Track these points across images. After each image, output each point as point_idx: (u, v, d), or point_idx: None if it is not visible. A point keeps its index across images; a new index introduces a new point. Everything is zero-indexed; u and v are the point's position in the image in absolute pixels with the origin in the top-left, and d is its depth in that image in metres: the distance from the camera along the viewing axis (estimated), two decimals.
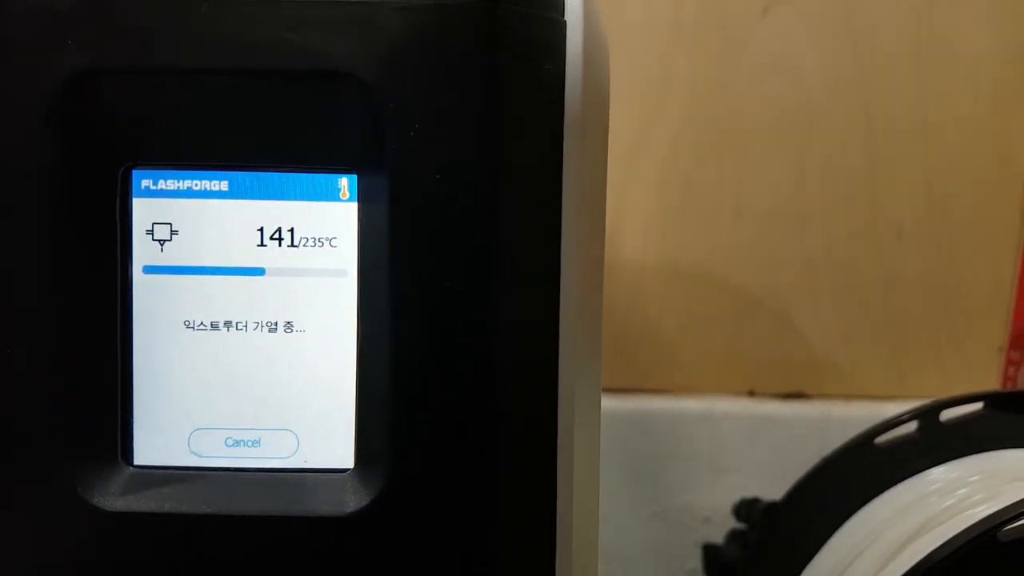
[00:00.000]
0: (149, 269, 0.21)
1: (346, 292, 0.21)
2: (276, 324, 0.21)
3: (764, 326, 0.52)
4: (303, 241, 0.21)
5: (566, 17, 0.20)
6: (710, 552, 0.45)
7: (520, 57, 0.20)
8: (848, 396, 0.52)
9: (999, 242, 0.51)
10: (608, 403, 0.51)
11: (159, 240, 0.21)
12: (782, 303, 0.52)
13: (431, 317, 0.20)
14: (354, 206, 0.21)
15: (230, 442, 0.21)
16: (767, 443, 0.52)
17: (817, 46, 0.48)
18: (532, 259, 0.21)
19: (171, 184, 0.21)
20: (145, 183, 0.21)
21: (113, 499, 0.21)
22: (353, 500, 0.20)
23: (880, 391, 0.52)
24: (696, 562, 0.52)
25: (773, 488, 0.42)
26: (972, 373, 0.52)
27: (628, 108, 0.49)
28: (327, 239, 0.21)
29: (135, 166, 0.21)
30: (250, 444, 0.21)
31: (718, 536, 0.44)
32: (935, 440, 0.37)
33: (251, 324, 0.21)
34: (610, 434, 0.52)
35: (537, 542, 0.21)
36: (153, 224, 0.21)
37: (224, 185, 0.21)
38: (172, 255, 0.21)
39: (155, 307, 0.21)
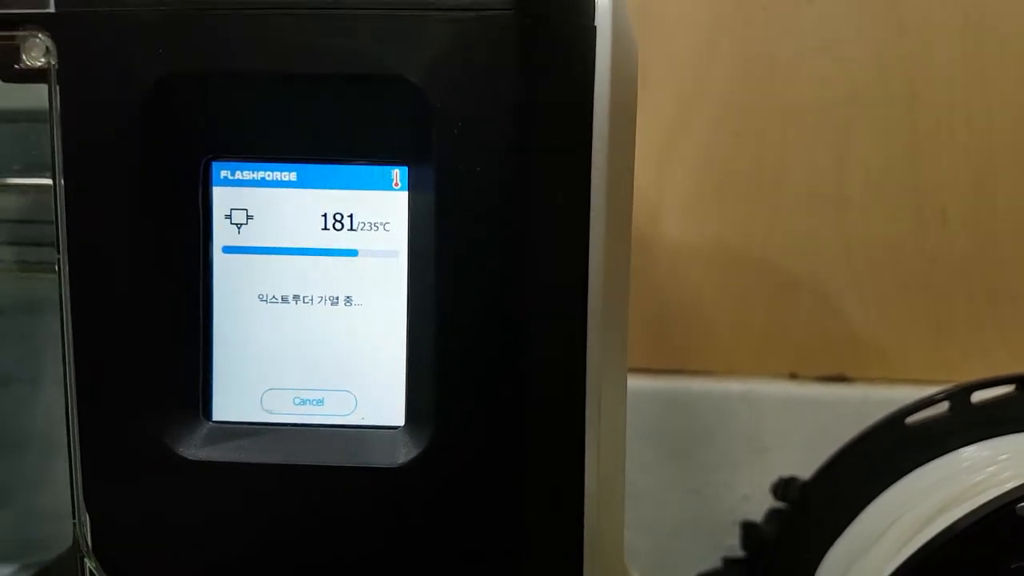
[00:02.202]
0: (228, 249, 0.24)
1: (398, 271, 0.24)
2: (337, 298, 0.24)
3: (806, 308, 0.52)
4: (361, 225, 0.24)
5: (596, 23, 0.23)
6: (748, 529, 0.46)
7: (552, 61, 0.22)
8: (890, 380, 0.51)
9: None
10: (648, 383, 0.53)
11: (236, 224, 0.24)
12: (823, 285, 0.52)
13: (471, 293, 0.22)
14: (405, 195, 0.23)
15: (297, 401, 0.24)
16: (808, 425, 0.52)
17: (862, 26, 0.48)
18: (562, 243, 0.23)
19: (247, 175, 0.24)
20: (224, 174, 0.24)
21: (195, 450, 0.24)
22: (403, 453, 0.23)
23: (922, 375, 0.51)
24: (734, 539, 0.53)
25: (813, 469, 0.42)
26: (1017, 357, 0.51)
27: (671, 88, 0.49)
28: (382, 224, 0.24)
29: (215, 159, 0.24)
30: (315, 403, 0.24)
31: (757, 514, 0.45)
32: (966, 421, 0.37)
33: (315, 298, 0.24)
34: (650, 414, 0.53)
35: (566, 492, 0.24)
36: (231, 210, 0.24)
37: (292, 176, 0.24)
38: (248, 237, 0.24)
39: (233, 282, 0.24)
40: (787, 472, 0.44)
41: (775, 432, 0.53)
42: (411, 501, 0.23)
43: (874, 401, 0.50)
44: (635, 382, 0.52)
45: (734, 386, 0.53)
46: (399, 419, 0.24)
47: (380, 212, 0.24)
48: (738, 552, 0.45)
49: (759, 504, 0.46)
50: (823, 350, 0.53)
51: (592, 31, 0.22)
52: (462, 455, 0.23)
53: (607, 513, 0.25)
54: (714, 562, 0.51)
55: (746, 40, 0.49)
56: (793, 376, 0.53)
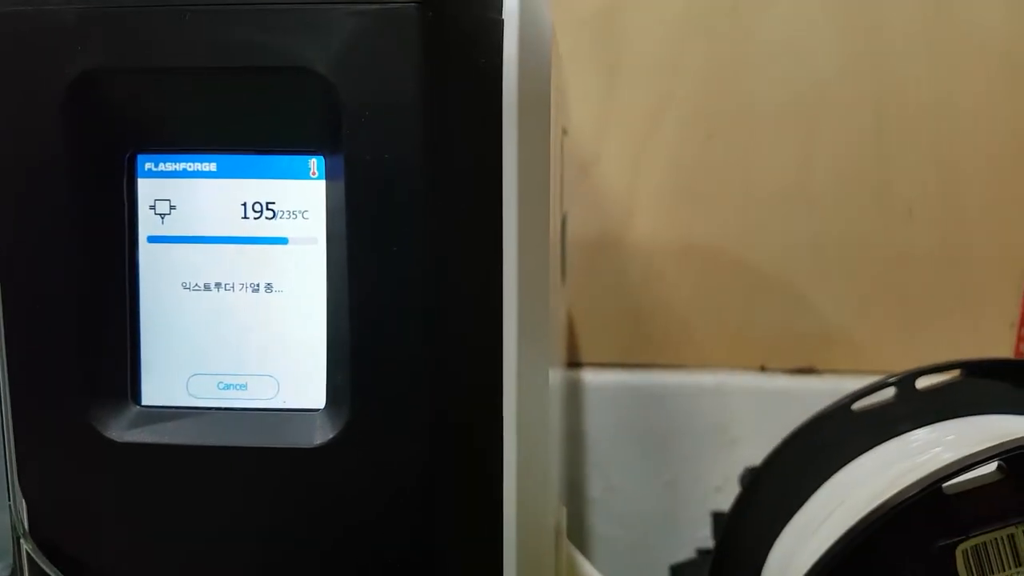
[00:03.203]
0: (152, 239, 0.25)
1: (318, 258, 0.24)
2: (258, 285, 0.25)
3: (775, 303, 0.52)
4: (281, 214, 0.24)
5: (503, 16, 0.23)
6: (719, 520, 0.47)
7: (457, 54, 0.23)
8: (858, 371, 0.52)
9: (1012, 219, 0.50)
10: (622, 378, 0.54)
11: (160, 214, 0.25)
12: (793, 281, 0.52)
13: (383, 279, 0.23)
14: (323, 183, 0.24)
15: (221, 386, 0.25)
16: (778, 416, 0.52)
17: (828, 24, 0.49)
18: (472, 228, 0.24)
19: (169, 166, 0.25)
20: (148, 166, 0.25)
21: (123, 432, 0.24)
22: (321, 434, 0.24)
23: (890, 366, 0.50)
24: (707, 529, 0.54)
25: None
26: (984, 349, 0.51)
27: (641, 91, 0.50)
28: (300, 212, 0.24)
29: (139, 151, 0.24)
30: (238, 387, 0.25)
31: (728, 505, 0.45)
32: (913, 406, 0.37)
33: (237, 285, 0.25)
34: (624, 407, 0.54)
35: (483, 472, 0.24)
36: (155, 200, 0.25)
37: (213, 166, 0.25)
38: (171, 227, 0.25)
39: (158, 271, 0.25)
40: (758, 462, 0.45)
41: (746, 424, 0.53)
42: (328, 481, 0.24)
43: (843, 392, 0.50)
44: (609, 376, 0.54)
45: (706, 379, 0.53)
46: (320, 402, 0.25)
47: (299, 201, 0.24)
48: (710, 543, 0.45)
49: (730, 495, 0.46)
50: (792, 343, 0.53)
51: (499, 24, 0.23)
52: (377, 437, 0.23)
53: (529, 495, 0.26)
54: (688, 553, 0.52)
55: (714, 42, 0.49)
56: (763, 369, 0.53)
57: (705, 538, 0.54)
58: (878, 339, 0.53)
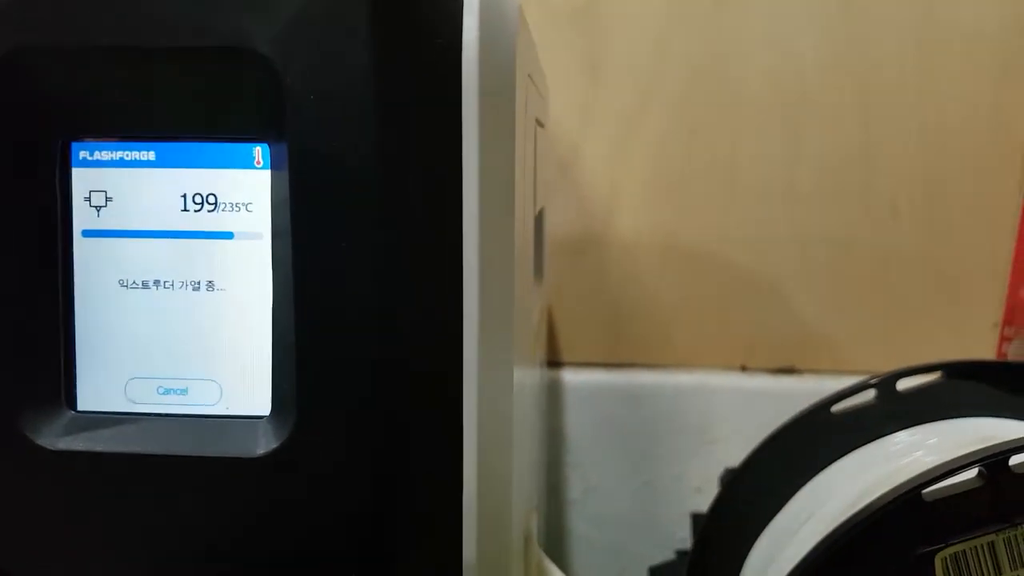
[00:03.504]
0: (87, 233, 0.23)
1: (262, 254, 0.23)
2: (199, 283, 0.23)
3: (757, 302, 0.52)
4: (223, 206, 0.23)
5: None
6: (699, 521, 0.46)
7: (411, 33, 0.21)
8: (839, 371, 0.52)
9: (996, 219, 0.50)
10: (602, 377, 0.53)
11: (96, 206, 0.23)
12: (775, 280, 0.52)
13: (330, 277, 0.21)
14: (268, 173, 0.23)
15: (161, 390, 0.23)
16: (758, 416, 0.52)
17: (813, 20, 0.48)
18: (429, 222, 0.22)
19: (105, 155, 0.23)
20: (83, 154, 0.23)
21: (56, 440, 0.23)
22: (263, 443, 0.22)
23: (872, 366, 0.51)
24: (686, 531, 0.53)
25: None
26: (967, 349, 0.51)
27: (625, 85, 0.49)
28: (244, 204, 0.23)
29: (73, 139, 0.23)
30: (179, 392, 0.23)
31: (708, 506, 0.45)
32: (893, 408, 0.37)
33: (177, 283, 0.23)
34: (604, 408, 0.53)
35: (441, 481, 0.23)
36: (90, 191, 0.23)
37: (151, 155, 0.23)
38: (108, 220, 0.23)
39: (94, 267, 0.23)
40: (738, 462, 0.44)
41: (726, 424, 0.53)
42: (272, 492, 0.22)
43: (824, 392, 0.50)
44: (589, 376, 0.53)
45: (686, 379, 0.53)
46: (265, 409, 0.23)
47: (243, 192, 0.23)
48: (690, 544, 0.45)
49: (710, 495, 0.47)
50: (773, 343, 0.53)
51: (458, 2, 0.22)
52: (324, 446, 0.22)
53: (493, 502, 0.24)
54: (667, 554, 0.52)
55: (698, 36, 0.49)
56: (744, 368, 0.53)
57: (684, 539, 0.53)
58: (860, 339, 0.53)
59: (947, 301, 0.51)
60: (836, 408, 0.38)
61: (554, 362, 0.53)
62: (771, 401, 0.53)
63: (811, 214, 0.51)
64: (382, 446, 0.22)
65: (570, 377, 0.52)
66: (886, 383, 0.37)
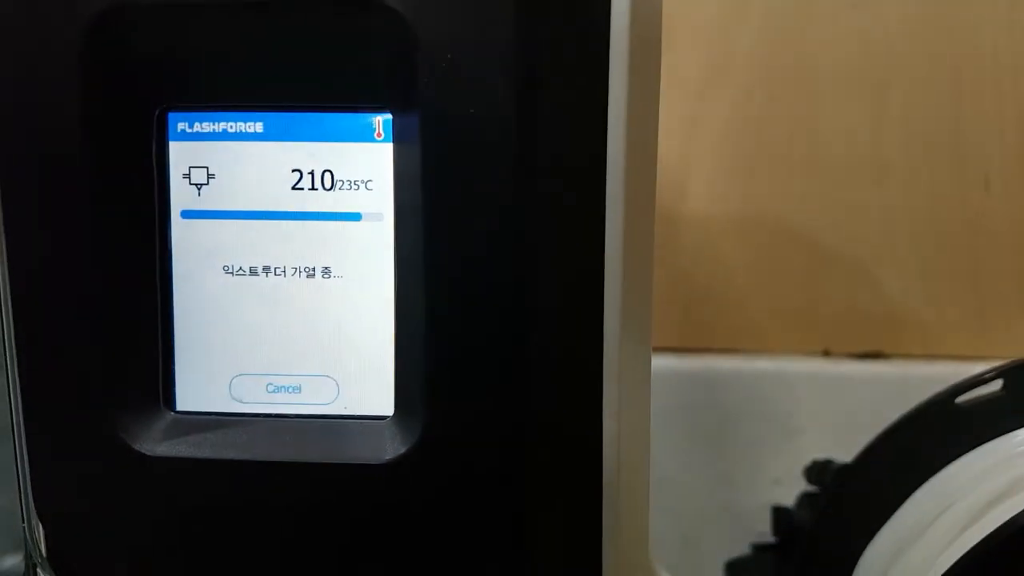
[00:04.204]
0: (187, 214, 0.21)
1: (383, 236, 0.21)
2: (314, 269, 0.21)
3: (840, 282, 0.50)
4: (339, 184, 0.21)
5: None
6: (780, 514, 0.44)
7: None
8: (929, 356, 0.50)
9: None
10: (674, 363, 0.51)
11: (196, 184, 0.21)
12: (859, 257, 0.49)
13: (466, 261, 0.19)
14: (390, 147, 0.20)
15: (271, 388, 0.21)
16: (842, 405, 0.50)
17: None
18: (572, 201, 0.20)
19: (207, 127, 0.21)
20: (181, 126, 0.21)
21: (155, 444, 0.21)
22: (391, 447, 0.20)
23: (964, 350, 0.49)
24: (765, 524, 0.51)
25: (848, 451, 0.40)
26: None
27: (696, 52, 0.47)
28: (363, 181, 0.21)
29: (170, 108, 0.21)
30: (291, 390, 0.21)
31: (788, 499, 0.43)
32: (1022, 400, 0.35)
33: (289, 269, 0.21)
34: (676, 395, 0.52)
35: (579, 495, 0.20)
36: (190, 168, 0.21)
37: (259, 127, 0.21)
38: (209, 199, 0.21)
39: (194, 252, 0.21)
40: (820, 454, 0.42)
41: (808, 412, 0.51)
42: (400, 502, 0.20)
43: (913, 379, 0.49)
44: (660, 362, 0.50)
45: (765, 364, 0.51)
46: (387, 408, 0.21)
47: (361, 168, 0.20)
48: (768, 538, 0.43)
49: (791, 488, 0.44)
50: (858, 325, 0.51)
51: None
52: (458, 449, 0.20)
53: (629, 509, 0.22)
54: (743, 549, 0.50)
55: None
56: (827, 353, 0.51)
57: (762, 533, 0.51)
58: (951, 322, 0.51)
59: None
60: (960, 400, 0.35)
61: None
62: (856, 388, 0.51)
63: (898, 186, 0.49)
64: (522, 447, 0.20)
65: None
66: (1015, 373, 0.35)
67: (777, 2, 0.46)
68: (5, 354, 0.21)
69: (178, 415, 0.21)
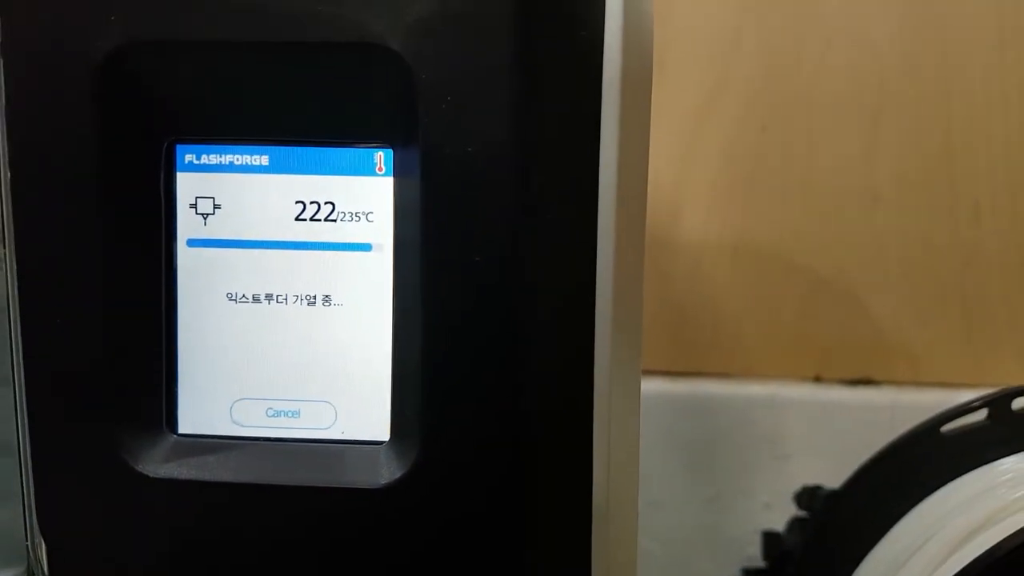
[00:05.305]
0: (193, 242, 0.22)
1: (382, 266, 0.21)
2: (314, 297, 0.21)
3: (832, 308, 0.50)
4: (341, 215, 0.21)
5: None
6: (770, 539, 0.45)
7: (554, 26, 0.19)
8: (919, 383, 0.50)
9: None
10: (666, 387, 0.51)
11: (202, 214, 0.22)
12: (851, 284, 0.50)
13: (462, 291, 0.20)
14: (390, 180, 0.21)
15: (271, 412, 0.22)
16: (832, 430, 0.50)
17: (892, 13, 0.46)
18: (567, 233, 0.20)
19: (213, 159, 0.21)
20: (188, 158, 0.21)
21: (157, 466, 0.21)
22: (387, 472, 0.21)
23: (953, 378, 0.49)
24: (755, 548, 0.51)
25: (838, 477, 0.40)
26: None
27: (692, 79, 0.47)
28: (364, 213, 0.21)
29: (179, 141, 0.21)
30: (290, 415, 0.22)
31: (779, 523, 0.43)
32: (1007, 429, 0.35)
33: (290, 297, 0.21)
34: (668, 419, 0.52)
35: (571, 519, 0.21)
36: (196, 198, 0.22)
37: (264, 160, 0.21)
38: (215, 229, 0.22)
39: (199, 280, 0.22)
40: (810, 480, 0.43)
41: (798, 437, 0.51)
42: (395, 526, 0.20)
43: (903, 405, 0.49)
44: (652, 385, 0.51)
45: (756, 389, 0.51)
46: (383, 433, 0.21)
47: (362, 201, 0.21)
48: (758, 563, 0.44)
49: (781, 513, 0.45)
50: (849, 352, 0.51)
51: None
52: (453, 474, 0.20)
53: (619, 533, 0.22)
54: (733, 573, 0.50)
55: (772, 29, 0.47)
56: (818, 379, 0.51)
57: (752, 557, 0.51)
58: (941, 349, 0.51)
59: None
60: (945, 428, 0.36)
61: None
62: (847, 414, 0.51)
63: (890, 215, 0.49)
64: (516, 473, 0.20)
65: None
66: (1000, 402, 0.35)
67: (772, 31, 0.47)
68: (12, 373, 0.22)
69: (180, 437, 0.22)
